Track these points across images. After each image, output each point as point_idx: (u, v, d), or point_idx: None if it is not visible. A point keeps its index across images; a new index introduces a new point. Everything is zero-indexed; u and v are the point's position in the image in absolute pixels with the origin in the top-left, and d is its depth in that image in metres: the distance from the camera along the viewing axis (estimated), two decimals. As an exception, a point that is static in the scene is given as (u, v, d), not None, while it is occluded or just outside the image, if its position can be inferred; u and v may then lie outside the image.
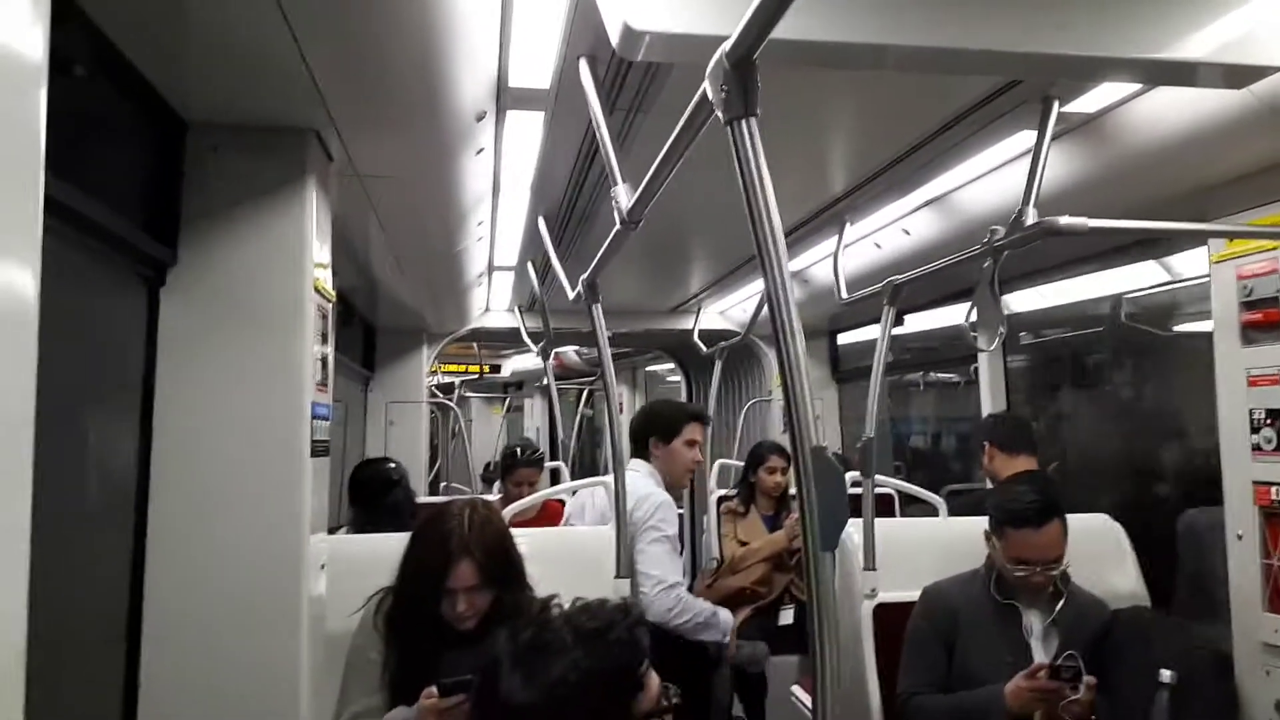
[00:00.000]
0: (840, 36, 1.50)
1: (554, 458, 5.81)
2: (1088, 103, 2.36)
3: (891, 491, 4.19)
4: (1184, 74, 1.80)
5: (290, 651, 2.12)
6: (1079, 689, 2.14)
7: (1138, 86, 2.24)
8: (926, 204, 3.28)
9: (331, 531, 2.49)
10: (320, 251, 2.32)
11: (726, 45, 1.10)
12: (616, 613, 1.49)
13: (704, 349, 5.78)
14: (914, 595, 2.59)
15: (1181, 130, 2.25)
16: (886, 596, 2.72)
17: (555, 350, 6.55)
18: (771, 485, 4.28)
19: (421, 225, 3.46)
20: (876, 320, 2.80)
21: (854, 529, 2.79)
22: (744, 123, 1.10)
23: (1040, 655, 2.37)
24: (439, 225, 3.46)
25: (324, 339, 2.35)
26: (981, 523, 2.51)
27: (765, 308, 4.50)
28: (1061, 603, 2.42)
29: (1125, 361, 4.09)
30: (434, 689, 1.83)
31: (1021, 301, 4.19)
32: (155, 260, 2.13)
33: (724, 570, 4.08)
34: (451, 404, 7.88)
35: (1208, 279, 2.51)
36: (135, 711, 2.05)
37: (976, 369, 4.23)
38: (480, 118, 2.42)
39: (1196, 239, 2.71)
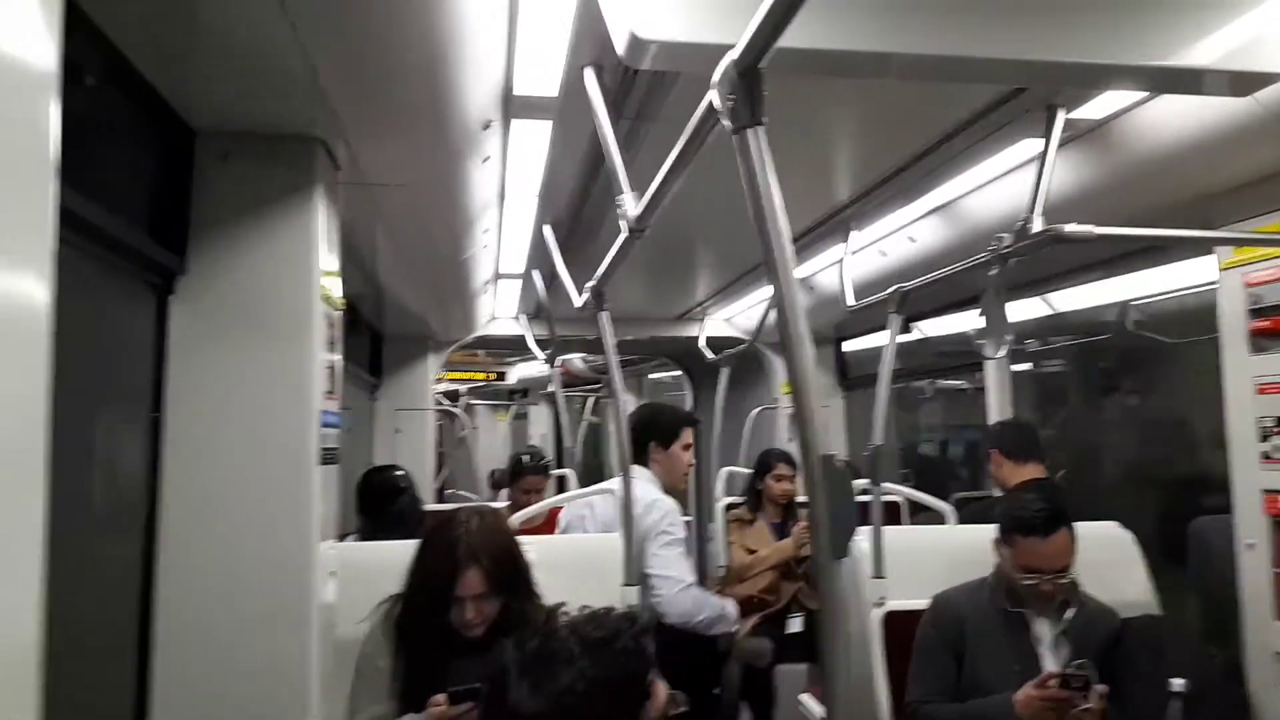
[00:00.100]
0: (846, 45, 1.50)
1: (560, 465, 5.80)
2: (1093, 110, 2.35)
3: (899, 499, 4.18)
4: (1190, 81, 1.80)
5: (300, 658, 2.12)
6: (1090, 698, 2.13)
7: (1143, 94, 2.24)
8: (932, 211, 3.28)
9: (340, 539, 2.49)
10: (328, 259, 2.33)
11: (734, 54, 1.11)
12: (623, 621, 1.49)
13: (710, 356, 5.77)
14: (923, 603, 2.58)
15: (1187, 137, 2.25)
16: (895, 604, 2.71)
17: (560, 358, 6.56)
18: (779, 493, 4.27)
19: (428, 233, 3.47)
20: (882, 328, 2.80)
21: (862, 537, 2.79)
22: (751, 131, 1.10)
23: (1050, 664, 2.36)
24: (445, 233, 3.47)
25: (332, 347, 2.36)
26: (990, 531, 2.50)
27: (772, 315, 4.52)
28: (1071, 611, 2.41)
29: (1133, 369, 4.08)
30: (442, 697, 1.83)
31: (1029, 309, 4.19)
32: (164, 268, 2.14)
33: (731, 578, 4.07)
34: (458, 411, 7.88)
35: (1215, 286, 2.51)
36: (146, 716, 2.05)
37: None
38: (486, 126, 2.42)
39: (1203, 247, 2.71)
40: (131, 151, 2.04)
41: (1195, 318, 3.32)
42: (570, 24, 1.92)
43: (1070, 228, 2.15)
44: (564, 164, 2.84)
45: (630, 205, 1.90)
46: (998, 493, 3.43)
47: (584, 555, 2.79)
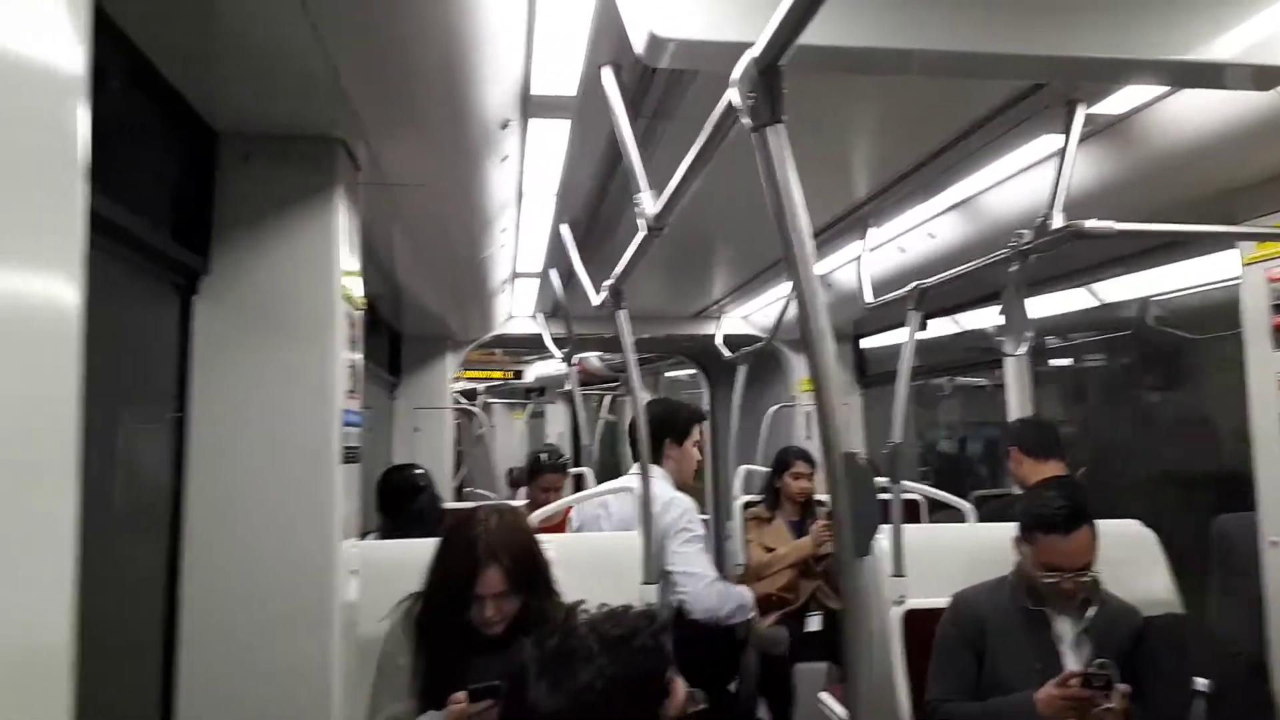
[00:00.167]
0: (865, 42, 1.50)
1: (578, 463, 5.81)
2: (1113, 105, 2.34)
3: (917, 497, 4.17)
4: (1211, 76, 1.79)
5: (323, 656, 2.13)
6: (1112, 697, 2.12)
7: (1164, 89, 2.22)
8: (951, 208, 3.26)
9: (361, 538, 2.51)
10: (349, 259, 2.35)
11: (754, 52, 1.11)
12: (641, 619, 1.50)
13: (727, 354, 5.77)
14: (943, 602, 2.57)
15: (1209, 132, 2.23)
16: (915, 603, 2.71)
17: (577, 356, 6.57)
18: (797, 491, 4.26)
19: (446, 233, 3.48)
20: (900, 325, 2.80)
21: (882, 535, 2.78)
22: (770, 129, 1.10)
23: (1071, 662, 2.35)
24: (463, 233, 3.48)
25: (354, 346, 2.38)
26: (1010, 529, 2.49)
27: (789, 313, 4.50)
28: (1093, 610, 2.40)
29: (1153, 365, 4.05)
30: (462, 694, 1.84)
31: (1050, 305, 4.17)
32: (187, 269, 2.16)
33: (749, 576, 4.07)
34: (476, 410, 7.91)
35: (1238, 281, 2.49)
36: (172, 714, 2.08)
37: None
38: (505, 125, 2.43)
39: (1225, 242, 2.69)
40: (155, 153, 2.06)
41: (1218, 313, 3.30)
42: (588, 23, 1.93)
43: (1091, 223, 2.13)
44: (581, 163, 2.84)
45: (648, 204, 1.90)
46: (1017, 490, 3.41)
47: (602, 553, 2.80)
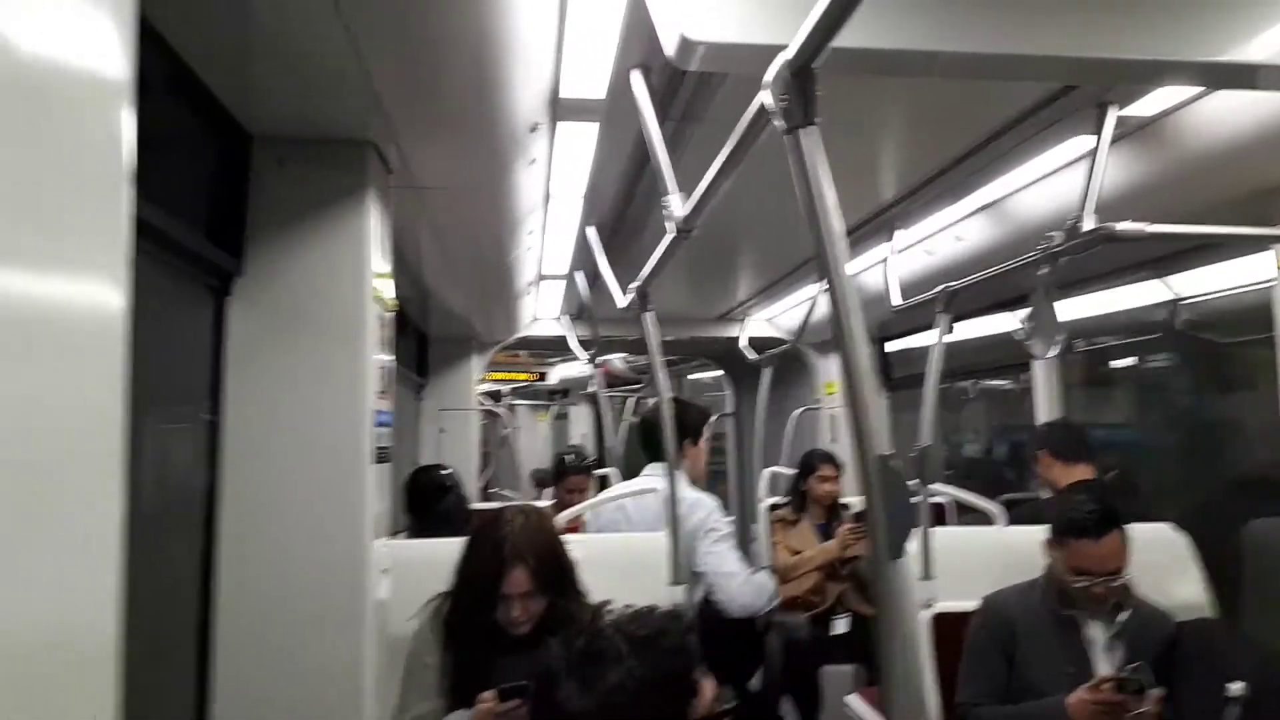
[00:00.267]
0: (896, 44, 1.49)
1: (602, 464, 5.82)
2: (1145, 106, 2.32)
3: (944, 501, 4.15)
4: (1245, 77, 1.77)
5: (354, 654, 2.16)
6: (1145, 702, 2.10)
7: (1197, 90, 2.20)
8: (979, 210, 3.25)
9: (390, 537, 2.53)
10: (380, 261, 2.37)
11: (787, 54, 1.11)
12: (668, 619, 1.50)
13: (752, 356, 5.76)
14: (972, 605, 2.56)
15: (1242, 134, 2.21)
16: (944, 606, 2.69)
17: (600, 358, 6.58)
18: (823, 494, 4.25)
19: (474, 235, 3.51)
20: (926, 328, 2.78)
21: (911, 538, 2.76)
22: (803, 131, 1.11)
23: (1103, 667, 2.33)
24: (491, 235, 3.50)
25: (384, 347, 2.40)
26: (1039, 532, 2.47)
27: (814, 315, 4.48)
28: (1124, 614, 2.38)
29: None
30: (490, 693, 1.85)
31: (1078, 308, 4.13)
32: (222, 270, 2.19)
33: (776, 579, 4.06)
34: (501, 411, 7.95)
35: (1272, 284, 2.46)
36: (207, 711, 2.10)
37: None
38: (534, 129, 2.45)
39: (1259, 244, 2.65)
40: (192, 157, 2.10)
41: (1250, 317, 3.26)
42: (618, 27, 1.94)
43: (1122, 226, 2.12)
44: (609, 165, 2.85)
45: (677, 206, 1.90)
46: (1044, 494, 3.38)
47: (628, 554, 2.80)
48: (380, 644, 2.24)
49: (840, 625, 3.91)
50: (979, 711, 2.40)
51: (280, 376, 2.21)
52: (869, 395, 1.04)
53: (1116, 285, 3.79)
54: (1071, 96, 2.25)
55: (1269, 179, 2.35)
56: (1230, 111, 2.20)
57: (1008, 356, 4.42)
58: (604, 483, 5.45)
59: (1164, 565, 2.70)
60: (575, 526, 3.29)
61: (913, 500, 2.72)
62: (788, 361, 5.97)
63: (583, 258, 4.01)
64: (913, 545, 2.77)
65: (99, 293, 0.93)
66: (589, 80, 2.23)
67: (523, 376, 10.55)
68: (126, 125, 0.97)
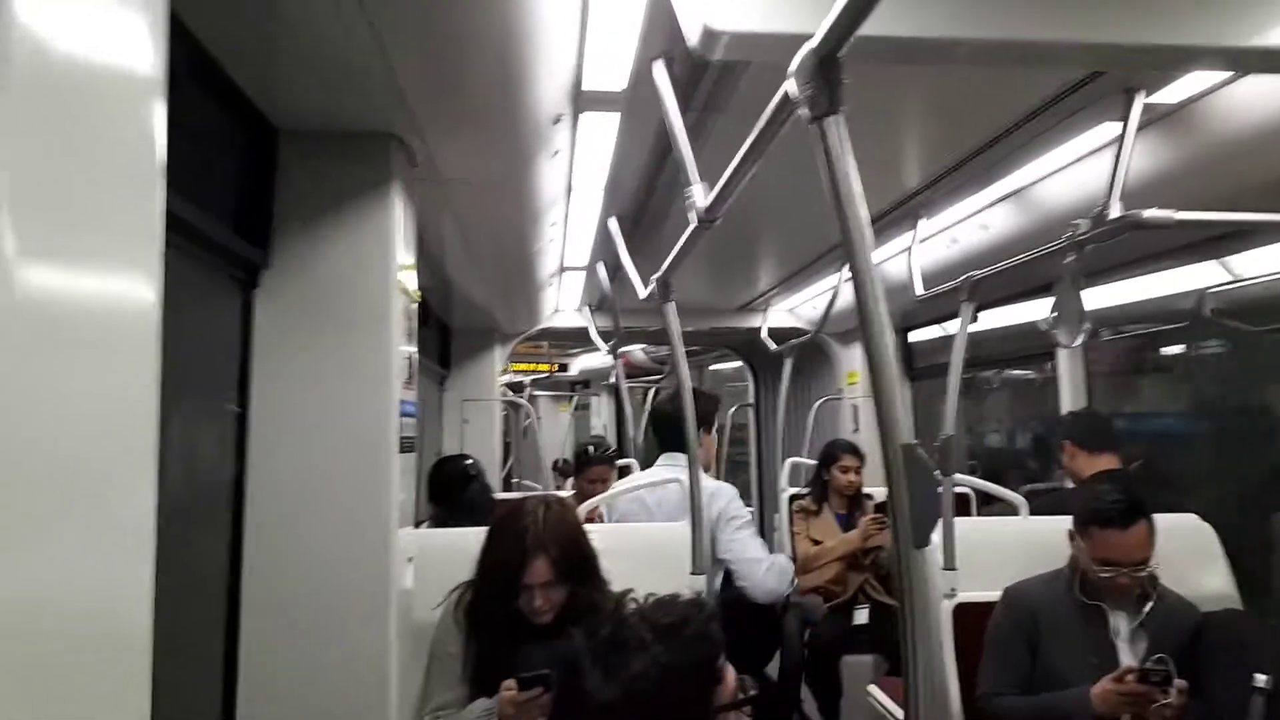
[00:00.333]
0: (922, 31, 1.49)
1: (622, 455, 5.84)
2: (1173, 93, 2.29)
3: (967, 491, 4.13)
4: (1274, 61, 1.75)
5: (380, 643, 2.18)
6: (1169, 693, 2.09)
7: (1224, 75, 2.17)
8: (1004, 198, 3.22)
9: (415, 526, 2.56)
10: (404, 254, 2.39)
11: (812, 43, 1.11)
12: (691, 608, 1.51)
13: (773, 347, 5.75)
14: (994, 595, 2.55)
15: (1271, 119, 2.18)
16: (966, 596, 2.69)
17: (622, 349, 6.59)
18: (844, 484, 4.25)
19: (497, 227, 3.52)
20: (949, 317, 2.77)
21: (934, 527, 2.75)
22: (830, 120, 1.11)
23: (1128, 658, 2.32)
24: (513, 227, 3.51)
25: (409, 338, 2.42)
26: (1063, 522, 2.46)
27: (836, 305, 4.46)
28: (1149, 604, 2.37)
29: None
30: (512, 682, 1.86)
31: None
32: (248, 263, 2.21)
33: (797, 569, 4.06)
34: (523, 401, 7.98)
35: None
36: (234, 698, 2.13)
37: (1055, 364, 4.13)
38: (556, 120, 2.45)
39: (1290, 231, 2.62)
40: (220, 151, 2.12)
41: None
42: (640, 17, 1.94)
43: (1150, 213, 2.10)
44: (630, 156, 2.85)
45: (699, 196, 1.90)
46: (1068, 484, 3.36)
47: (650, 544, 2.81)
48: (406, 631, 2.27)
49: (861, 615, 3.91)
50: (1001, 701, 2.40)
51: (306, 368, 2.23)
52: (893, 383, 1.04)
53: (1141, 274, 3.76)
54: (1097, 83, 2.23)
55: (1298, 165, 2.32)
56: (1259, 97, 2.17)
57: (1032, 346, 4.39)
58: (625, 472, 5.47)
59: (1190, 556, 2.68)
60: (593, 517, 3.31)
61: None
62: (809, 352, 5.96)
63: (604, 249, 4.01)
64: (935, 535, 2.76)
65: (132, 287, 0.94)
66: (611, 71, 2.23)
67: (544, 368, 10.59)
68: (158, 121, 0.98)
